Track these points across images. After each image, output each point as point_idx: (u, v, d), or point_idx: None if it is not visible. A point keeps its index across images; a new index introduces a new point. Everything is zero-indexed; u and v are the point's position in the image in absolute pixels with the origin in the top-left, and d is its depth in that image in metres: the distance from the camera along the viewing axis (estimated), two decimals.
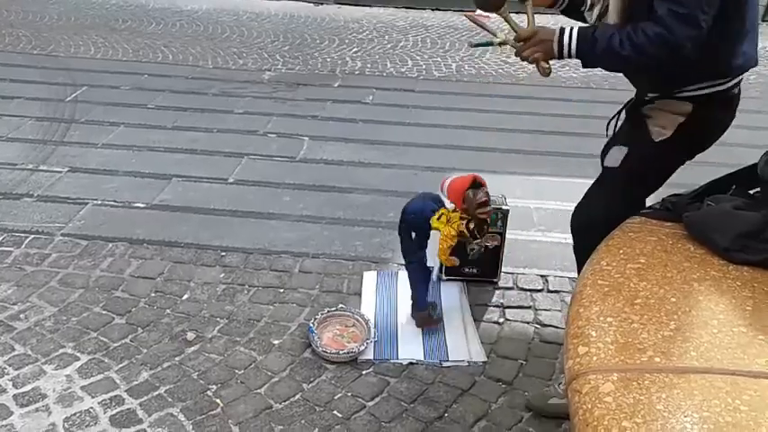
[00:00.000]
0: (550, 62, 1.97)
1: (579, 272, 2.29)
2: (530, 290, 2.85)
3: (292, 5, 8.11)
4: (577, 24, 1.92)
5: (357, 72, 5.75)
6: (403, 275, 2.75)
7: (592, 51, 1.87)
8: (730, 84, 1.94)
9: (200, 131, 4.40)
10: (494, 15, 2.08)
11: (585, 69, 1.87)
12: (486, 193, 2.41)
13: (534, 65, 1.98)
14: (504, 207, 2.79)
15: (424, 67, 5.85)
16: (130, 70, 5.54)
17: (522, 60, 2.00)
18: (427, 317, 2.62)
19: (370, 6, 8.16)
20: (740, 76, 1.97)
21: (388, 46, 6.51)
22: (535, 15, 2.03)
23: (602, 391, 1.23)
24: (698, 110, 1.94)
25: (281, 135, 4.39)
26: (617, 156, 2.10)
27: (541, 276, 2.92)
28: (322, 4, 8.27)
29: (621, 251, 1.68)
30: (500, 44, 2.05)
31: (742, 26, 1.88)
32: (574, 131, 4.45)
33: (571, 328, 1.44)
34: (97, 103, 4.82)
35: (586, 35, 1.88)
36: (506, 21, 2.05)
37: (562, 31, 1.90)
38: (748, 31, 1.90)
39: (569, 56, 1.90)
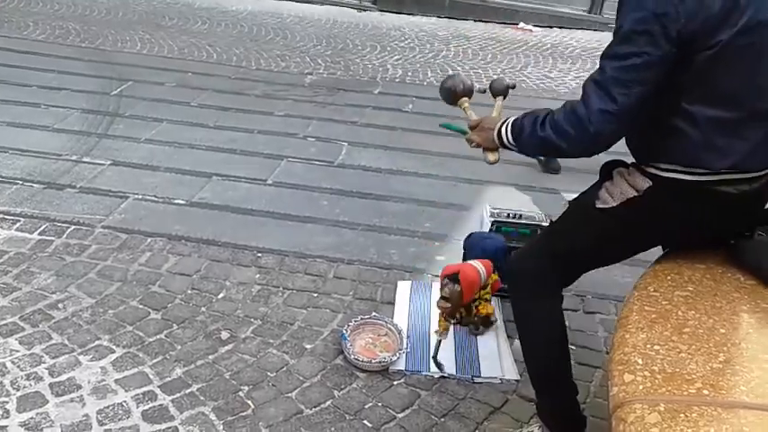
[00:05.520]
0: (498, 153, 1.97)
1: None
2: (566, 309, 2.79)
3: (336, 11, 8.17)
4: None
5: (397, 80, 5.75)
6: (436, 286, 2.74)
7: (520, 137, 1.79)
8: (704, 178, 1.64)
9: (240, 132, 4.44)
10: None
11: None
12: (452, 293, 2.46)
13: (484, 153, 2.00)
14: (543, 224, 2.77)
15: None
16: (175, 68, 5.61)
17: (470, 146, 2.06)
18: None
19: (412, 15, 8.18)
20: (720, 174, 1.63)
21: (430, 55, 6.51)
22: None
23: (648, 422, 1.21)
24: (652, 190, 1.70)
25: (320, 139, 4.41)
26: (561, 211, 1.98)
27: (578, 296, 2.87)
28: (365, 10, 8.31)
29: (669, 277, 1.65)
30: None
31: (716, 114, 1.58)
32: (618, 150, 4.38)
33: (616, 354, 1.41)
34: (141, 98, 4.89)
35: (516, 121, 1.81)
36: (463, 110, 2.17)
37: (505, 121, 1.87)
38: (736, 123, 1.59)
39: (510, 145, 1.86)
